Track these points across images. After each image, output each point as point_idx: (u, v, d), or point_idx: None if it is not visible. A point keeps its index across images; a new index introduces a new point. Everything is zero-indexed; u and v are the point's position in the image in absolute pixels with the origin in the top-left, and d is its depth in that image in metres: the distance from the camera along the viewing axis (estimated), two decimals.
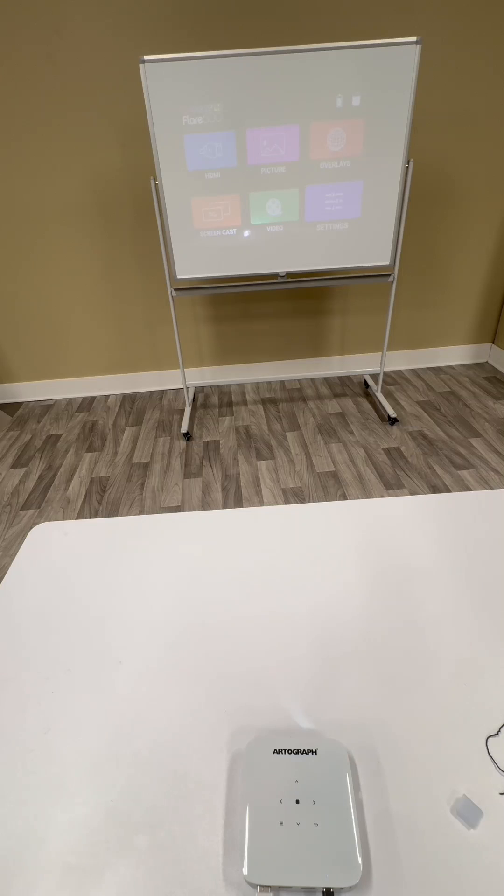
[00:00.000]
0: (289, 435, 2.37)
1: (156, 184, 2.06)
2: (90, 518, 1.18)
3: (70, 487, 2.10)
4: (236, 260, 2.09)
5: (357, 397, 2.67)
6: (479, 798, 0.44)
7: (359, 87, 1.77)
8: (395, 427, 2.37)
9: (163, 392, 2.87)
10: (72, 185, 2.25)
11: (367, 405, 2.58)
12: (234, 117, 1.80)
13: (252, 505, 1.94)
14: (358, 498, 1.93)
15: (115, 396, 2.86)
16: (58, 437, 2.49)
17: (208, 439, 2.38)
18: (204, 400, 2.76)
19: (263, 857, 0.39)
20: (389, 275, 2.21)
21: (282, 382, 2.88)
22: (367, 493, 1.95)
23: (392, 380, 2.83)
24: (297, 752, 0.46)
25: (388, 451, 2.20)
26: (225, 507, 1.94)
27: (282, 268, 2.12)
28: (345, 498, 1.94)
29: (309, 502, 1.15)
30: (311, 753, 0.45)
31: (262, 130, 1.82)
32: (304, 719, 0.50)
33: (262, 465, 2.17)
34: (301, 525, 0.77)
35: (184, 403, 2.73)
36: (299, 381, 2.88)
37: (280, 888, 0.39)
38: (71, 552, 0.74)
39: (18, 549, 1.78)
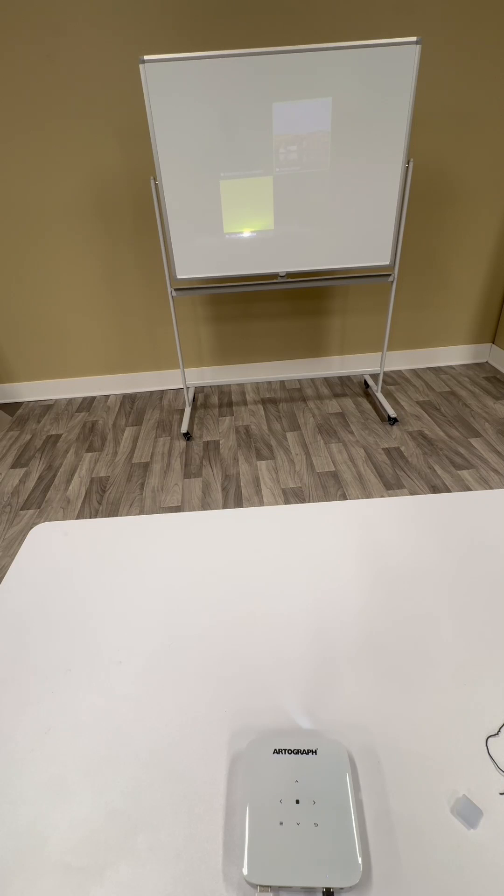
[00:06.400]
0: (289, 435, 2.37)
1: (156, 184, 2.06)
2: (90, 518, 1.18)
3: (70, 487, 2.10)
4: (236, 260, 2.09)
5: (357, 397, 2.67)
6: (479, 798, 0.44)
7: (358, 87, 1.77)
8: (395, 427, 2.37)
9: (163, 392, 2.87)
10: (72, 185, 2.25)
11: (367, 405, 2.58)
12: (233, 117, 1.80)
13: (252, 505, 1.94)
14: (358, 498, 1.93)
15: (115, 396, 2.86)
16: (58, 437, 2.49)
17: (208, 439, 2.38)
18: (204, 400, 2.76)
19: (263, 857, 0.39)
20: (389, 275, 2.21)
21: (282, 382, 2.88)
22: (367, 493, 1.95)
23: (392, 380, 2.83)
24: (297, 752, 0.46)
25: (388, 451, 2.20)
26: (225, 507, 1.94)
27: (282, 268, 2.12)
28: (345, 498, 1.94)
29: (309, 502, 1.15)
30: (311, 753, 0.45)
31: (262, 130, 1.82)
32: (304, 719, 0.50)
33: (262, 465, 2.17)
34: (301, 525, 0.77)
35: (184, 403, 2.73)
36: (299, 381, 2.88)
37: (280, 888, 0.39)
38: (71, 552, 0.74)
39: (18, 549, 1.78)
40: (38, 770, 0.47)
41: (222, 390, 2.84)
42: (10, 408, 2.80)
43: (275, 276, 2.27)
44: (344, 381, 2.86)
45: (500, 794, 0.44)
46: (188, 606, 0.64)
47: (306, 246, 2.08)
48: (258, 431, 2.42)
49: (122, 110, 2.10)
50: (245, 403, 2.68)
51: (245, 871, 0.39)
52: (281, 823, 0.41)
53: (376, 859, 0.40)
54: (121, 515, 1.88)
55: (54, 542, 0.76)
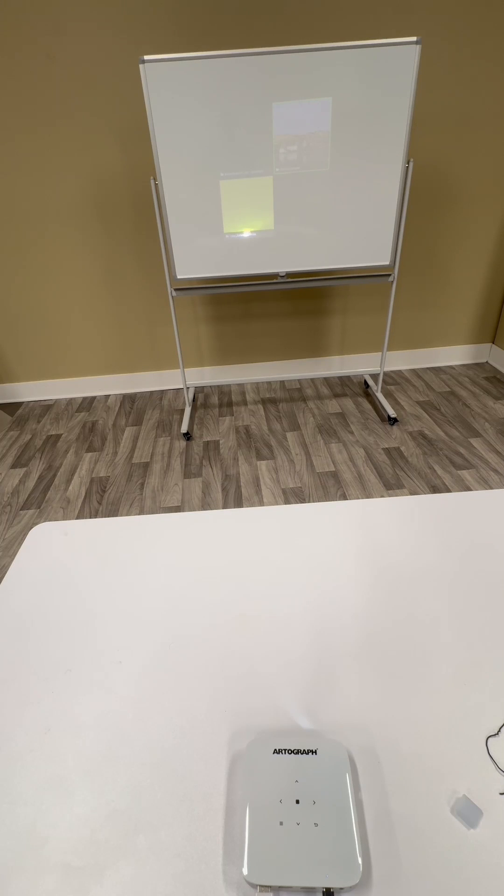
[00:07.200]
0: (289, 435, 2.37)
1: (156, 184, 2.06)
2: (90, 518, 1.18)
3: (70, 487, 2.10)
4: (236, 260, 2.09)
5: (357, 397, 2.67)
6: (479, 798, 0.44)
7: (358, 87, 1.77)
8: (395, 427, 2.37)
9: (163, 392, 2.87)
10: (72, 185, 2.25)
11: (367, 405, 2.58)
12: (233, 117, 1.80)
13: (252, 505, 1.94)
14: (358, 498, 1.93)
15: (115, 396, 2.86)
16: (58, 437, 2.49)
17: (208, 439, 2.38)
18: (204, 400, 2.76)
19: (263, 857, 0.39)
20: (389, 275, 2.21)
21: (282, 382, 2.88)
22: (367, 493, 1.95)
23: (392, 380, 2.83)
24: (297, 752, 0.46)
25: (388, 451, 2.20)
26: (225, 507, 1.94)
27: (282, 268, 2.12)
28: (345, 498, 1.94)
29: (309, 502, 1.15)
30: (311, 753, 0.45)
31: (262, 131, 1.82)
32: (304, 719, 0.50)
33: (262, 465, 2.17)
34: (301, 525, 0.77)
35: (184, 403, 2.73)
36: (299, 381, 2.88)
37: (280, 888, 0.39)
38: (71, 552, 0.74)
39: (18, 549, 1.78)
40: (38, 770, 0.47)
41: (222, 390, 2.84)
42: (10, 408, 2.80)
43: (275, 276, 2.27)
44: (344, 381, 2.85)
45: (500, 794, 0.44)
46: (188, 606, 0.64)
47: (306, 246, 2.08)
48: (258, 431, 2.42)
49: (122, 110, 2.10)
50: (245, 403, 2.68)
51: (245, 871, 0.39)
52: (281, 823, 0.41)
53: (376, 859, 0.40)
54: (121, 515, 1.88)
55: (54, 542, 0.76)
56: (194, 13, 1.94)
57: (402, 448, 2.21)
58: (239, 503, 1.94)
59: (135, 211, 2.34)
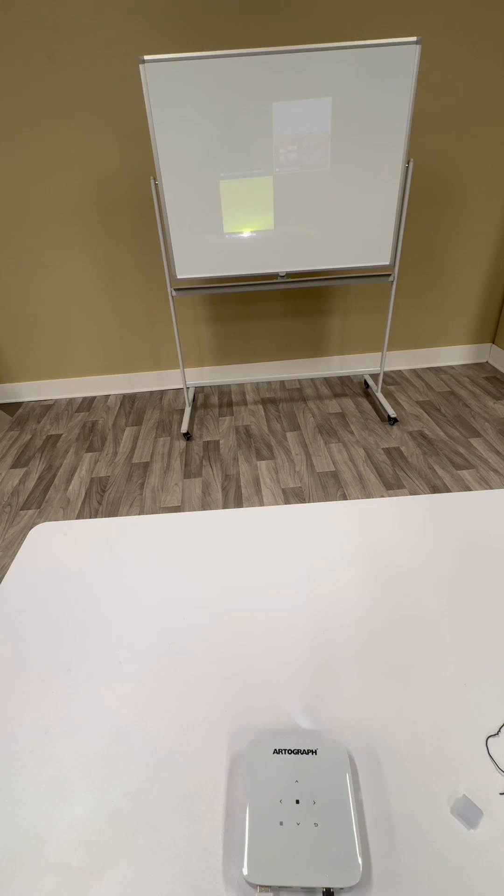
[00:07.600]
0: (289, 435, 2.37)
1: (156, 184, 2.06)
2: (90, 518, 1.18)
3: (70, 487, 2.10)
4: (236, 260, 2.09)
5: (357, 397, 2.67)
6: (479, 798, 0.44)
7: (358, 87, 1.77)
8: (395, 427, 2.37)
9: (163, 392, 2.87)
10: (72, 185, 2.25)
11: (367, 405, 2.58)
12: (233, 117, 1.80)
13: (252, 505, 1.94)
14: (358, 498, 1.93)
15: (115, 396, 2.86)
16: (58, 437, 2.49)
17: (208, 439, 2.38)
18: (204, 400, 2.76)
19: (263, 857, 0.39)
20: (389, 275, 2.21)
21: (282, 382, 2.88)
22: (367, 493, 1.95)
23: (392, 380, 2.83)
24: (297, 752, 0.46)
25: (388, 451, 2.20)
26: (225, 507, 1.94)
27: (282, 268, 2.12)
28: (345, 498, 1.94)
29: (309, 502, 1.15)
30: (311, 753, 0.45)
31: (262, 130, 1.82)
32: (304, 719, 0.50)
33: (262, 465, 2.17)
34: (301, 525, 0.77)
35: (184, 403, 2.73)
36: (299, 381, 2.88)
37: (280, 888, 0.39)
38: (71, 552, 0.74)
39: (18, 549, 1.78)
40: (38, 770, 0.47)
41: (222, 390, 2.84)
42: (10, 408, 2.80)
43: (275, 276, 2.27)
44: (344, 381, 2.85)
45: (500, 794, 0.44)
46: (188, 606, 0.64)
47: (306, 246, 2.08)
48: (258, 431, 2.42)
49: (122, 110, 2.10)
50: (245, 403, 2.68)
51: (245, 871, 0.39)
52: (281, 823, 0.41)
53: (376, 859, 0.40)
54: (121, 515, 1.89)
55: (54, 542, 0.76)
56: (194, 13, 1.94)
57: (402, 448, 2.21)
58: (239, 503, 1.94)
59: (135, 211, 2.34)
